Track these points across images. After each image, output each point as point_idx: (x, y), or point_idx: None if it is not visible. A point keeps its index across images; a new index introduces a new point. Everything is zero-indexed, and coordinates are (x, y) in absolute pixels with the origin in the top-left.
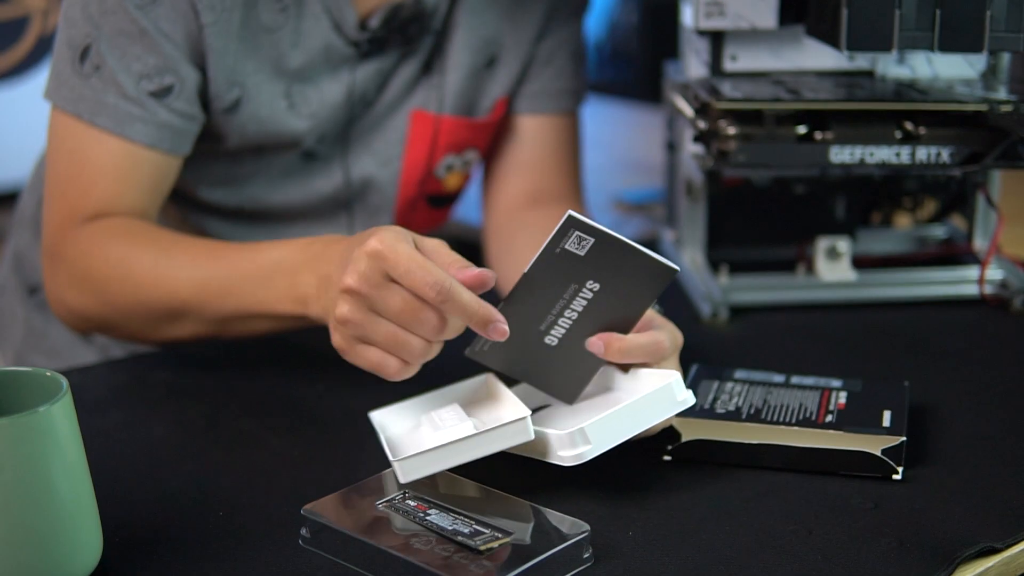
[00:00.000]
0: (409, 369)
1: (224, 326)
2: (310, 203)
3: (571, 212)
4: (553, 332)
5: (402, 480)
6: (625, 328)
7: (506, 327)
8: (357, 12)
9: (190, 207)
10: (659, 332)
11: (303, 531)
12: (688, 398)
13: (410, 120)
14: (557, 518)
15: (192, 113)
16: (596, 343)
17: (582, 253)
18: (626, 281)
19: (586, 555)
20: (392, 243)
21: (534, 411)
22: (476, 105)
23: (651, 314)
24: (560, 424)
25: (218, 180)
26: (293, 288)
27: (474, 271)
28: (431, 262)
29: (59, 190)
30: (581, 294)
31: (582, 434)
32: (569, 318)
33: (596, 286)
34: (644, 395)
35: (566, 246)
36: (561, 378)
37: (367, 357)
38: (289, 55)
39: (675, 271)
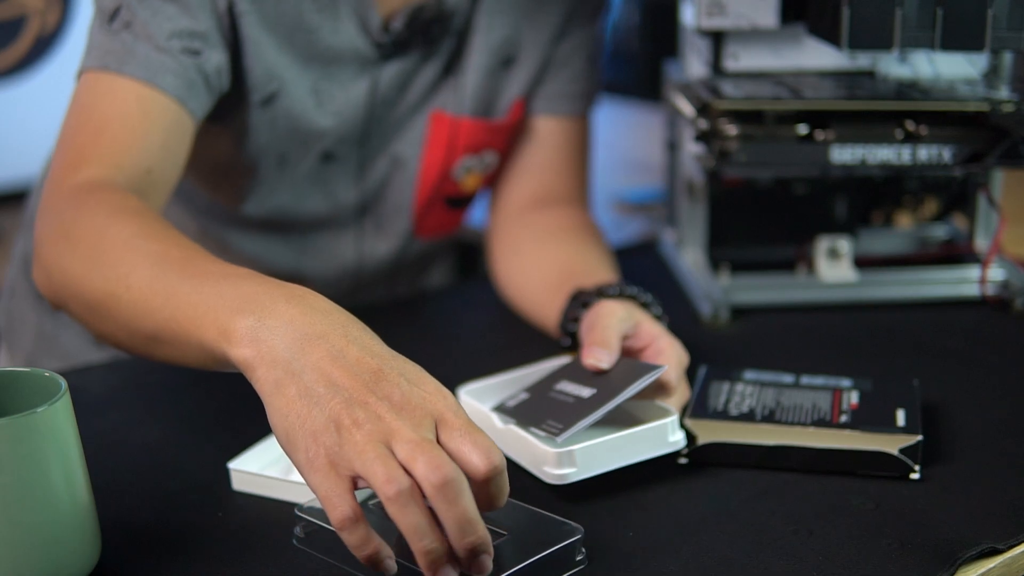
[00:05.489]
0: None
1: (150, 344)
2: (331, 207)
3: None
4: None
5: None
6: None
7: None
8: (380, 14)
9: (210, 220)
10: (670, 370)
11: (297, 531)
12: (680, 441)
13: (429, 122)
14: (550, 520)
15: (218, 84)
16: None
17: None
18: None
19: (579, 558)
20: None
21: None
22: (493, 106)
23: (657, 331)
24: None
25: (239, 194)
26: (229, 320)
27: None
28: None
29: (67, 137)
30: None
31: (570, 457)
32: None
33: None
34: (638, 429)
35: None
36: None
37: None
38: (322, 53)
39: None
